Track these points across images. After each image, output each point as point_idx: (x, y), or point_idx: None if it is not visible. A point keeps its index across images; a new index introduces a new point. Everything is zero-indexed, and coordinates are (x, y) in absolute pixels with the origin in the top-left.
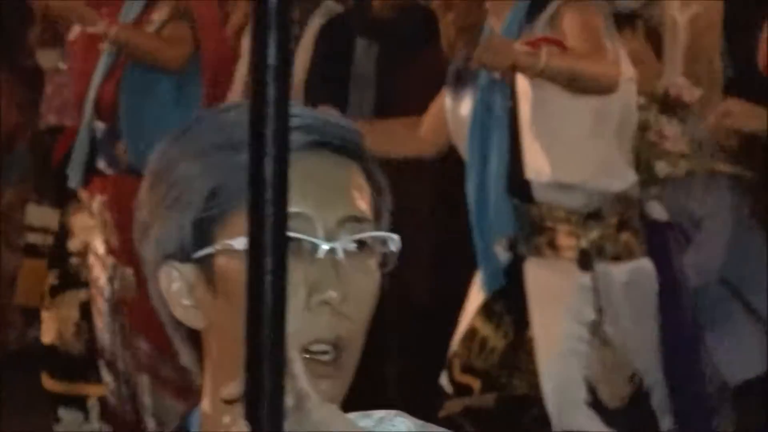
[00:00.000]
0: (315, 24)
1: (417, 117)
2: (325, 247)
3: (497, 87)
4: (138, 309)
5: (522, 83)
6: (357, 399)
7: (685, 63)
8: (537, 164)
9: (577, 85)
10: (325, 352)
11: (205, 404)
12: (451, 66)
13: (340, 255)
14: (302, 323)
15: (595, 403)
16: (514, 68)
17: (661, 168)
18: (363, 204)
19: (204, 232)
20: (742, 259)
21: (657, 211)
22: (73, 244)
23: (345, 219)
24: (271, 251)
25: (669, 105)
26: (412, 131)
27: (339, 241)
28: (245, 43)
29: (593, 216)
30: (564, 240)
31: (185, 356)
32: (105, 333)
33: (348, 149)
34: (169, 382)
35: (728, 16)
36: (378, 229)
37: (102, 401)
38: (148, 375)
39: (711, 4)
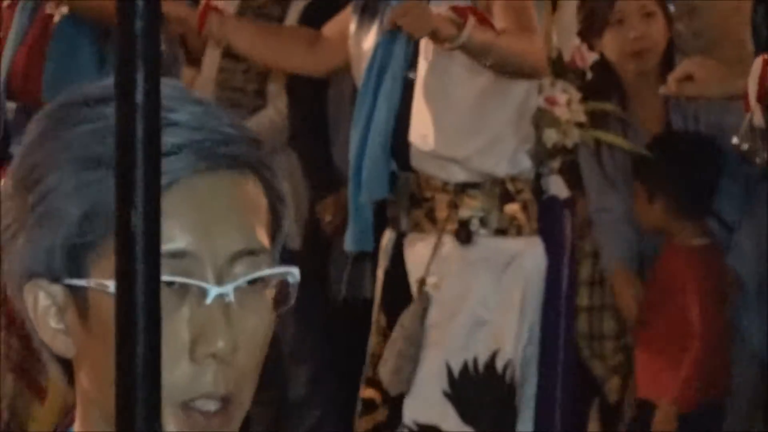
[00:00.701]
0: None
1: (314, 31)
2: (214, 292)
3: (401, 34)
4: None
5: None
6: None
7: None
8: (421, 130)
9: (498, 66)
10: (210, 405)
11: (77, 427)
12: None
13: (231, 298)
14: (186, 377)
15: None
16: (432, 37)
17: (549, 136)
18: (259, 230)
19: (76, 259)
20: None
21: (555, 186)
22: None
23: (238, 253)
24: (144, 310)
25: (562, 69)
26: (308, 45)
27: (231, 282)
28: None
29: (472, 184)
30: (443, 212)
31: (53, 372)
32: None
33: (243, 161)
34: (40, 389)
35: None
36: (275, 250)
37: None
38: (15, 375)
39: None
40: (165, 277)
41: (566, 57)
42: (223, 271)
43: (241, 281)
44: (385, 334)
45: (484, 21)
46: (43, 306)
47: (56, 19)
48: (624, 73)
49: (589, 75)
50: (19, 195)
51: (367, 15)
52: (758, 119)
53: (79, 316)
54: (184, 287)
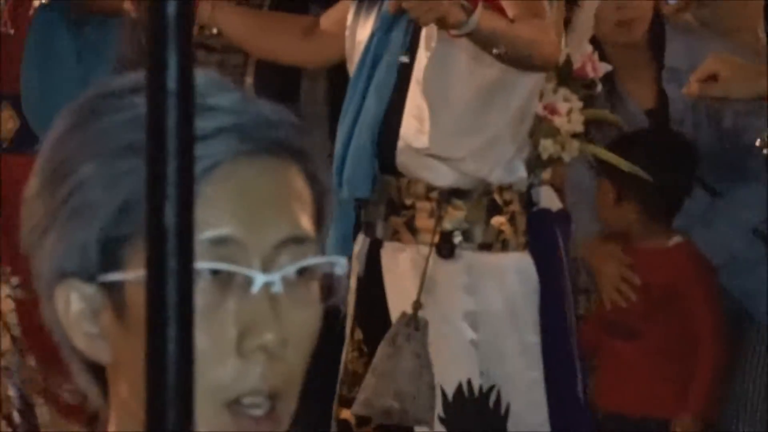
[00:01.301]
0: None
1: (312, 19)
2: (261, 280)
3: (401, 20)
4: (25, 320)
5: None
6: None
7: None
8: (415, 125)
9: (508, 56)
10: (258, 406)
11: None
12: None
13: (279, 288)
14: (233, 372)
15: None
16: (440, 23)
17: (546, 147)
18: (305, 219)
19: (112, 253)
20: None
21: (547, 198)
22: None
23: (284, 241)
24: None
25: (569, 76)
26: (304, 35)
27: (277, 271)
28: None
29: (458, 193)
30: (424, 221)
31: (84, 384)
32: None
33: (286, 148)
34: (69, 408)
35: None
36: (320, 240)
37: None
38: (43, 397)
39: None
40: (208, 264)
41: (576, 63)
42: (269, 260)
43: (290, 269)
44: (361, 349)
45: (494, 6)
46: (77, 309)
47: (35, 4)
48: (610, 45)
49: (600, 87)
50: (48, 191)
51: (366, 3)
52: None
53: (117, 316)
54: (229, 276)
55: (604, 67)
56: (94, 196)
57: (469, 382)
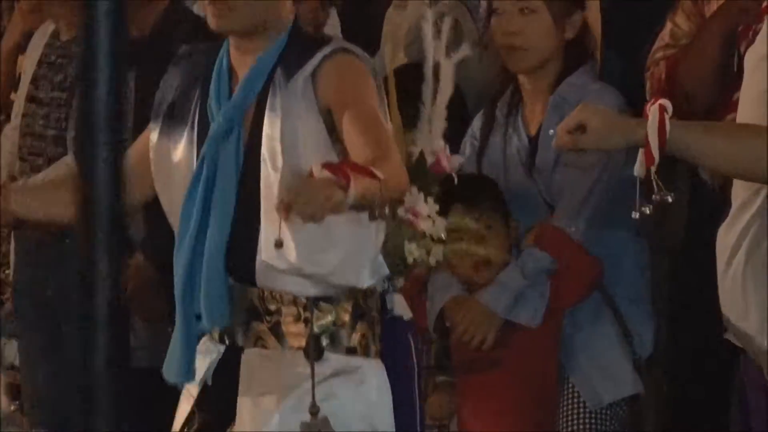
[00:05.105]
0: None
1: None
2: None
3: (232, 137)
4: None
5: (269, 139)
6: None
7: None
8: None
9: (373, 206)
10: None
11: None
12: (159, 94)
13: None
14: None
15: None
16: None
17: (410, 251)
18: None
19: None
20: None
21: (400, 305)
22: None
23: None
24: None
25: (422, 173)
26: None
27: None
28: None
29: (326, 297)
30: (290, 326)
31: None
32: None
33: None
34: None
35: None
36: None
37: None
38: None
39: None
40: None
41: (429, 159)
42: None
43: None
44: None
45: (361, 170)
46: None
47: None
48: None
49: (456, 180)
50: None
51: (175, 121)
52: (639, 170)
53: None
54: None
55: (457, 160)
56: None
57: None
